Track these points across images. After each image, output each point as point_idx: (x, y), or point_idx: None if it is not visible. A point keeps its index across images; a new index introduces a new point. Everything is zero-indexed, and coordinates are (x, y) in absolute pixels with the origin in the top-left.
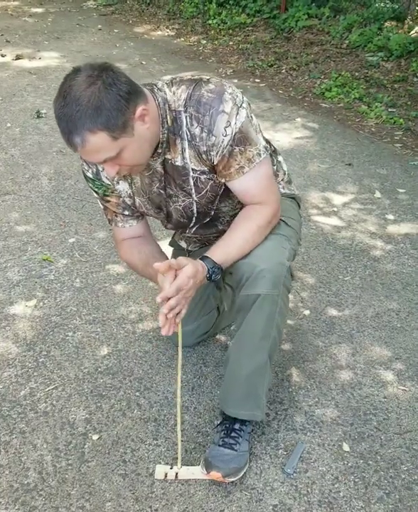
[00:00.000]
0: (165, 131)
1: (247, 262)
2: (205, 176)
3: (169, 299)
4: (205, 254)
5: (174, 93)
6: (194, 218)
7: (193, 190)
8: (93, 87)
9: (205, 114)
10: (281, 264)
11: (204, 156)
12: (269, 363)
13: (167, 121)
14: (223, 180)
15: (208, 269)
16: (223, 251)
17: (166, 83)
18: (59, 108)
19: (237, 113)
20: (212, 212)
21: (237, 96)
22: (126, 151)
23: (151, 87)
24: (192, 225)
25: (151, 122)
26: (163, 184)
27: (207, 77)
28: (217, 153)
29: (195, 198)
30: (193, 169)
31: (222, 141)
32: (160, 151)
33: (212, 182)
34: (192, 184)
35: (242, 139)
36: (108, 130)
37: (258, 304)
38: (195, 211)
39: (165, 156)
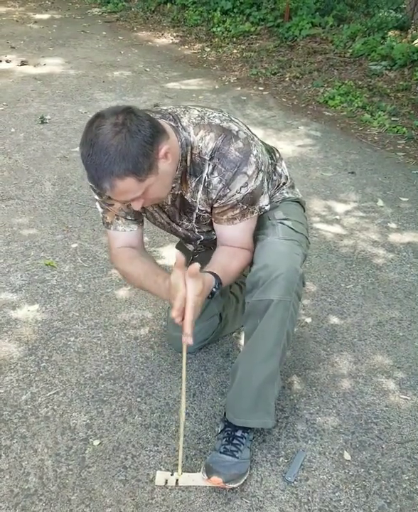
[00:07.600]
0: (181, 168)
1: (264, 266)
2: (208, 214)
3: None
4: (213, 271)
5: (202, 139)
6: (196, 238)
7: (194, 221)
8: (119, 136)
9: (228, 170)
10: (295, 270)
11: (211, 201)
12: (278, 370)
13: (186, 160)
14: (212, 219)
15: (215, 285)
16: (225, 274)
17: (193, 123)
18: (87, 156)
19: (256, 176)
20: (213, 232)
21: (259, 158)
22: (152, 187)
23: (175, 123)
24: (194, 242)
25: (173, 158)
26: (168, 212)
27: (237, 129)
28: (222, 202)
29: (195, 225)
30: (199, 208)
31: (233, 196)
32: (174, 185)
33: (212, 218)
34: (195, 217)
35: (249, 199)
36: (135, 175)
37: (271, 311)
38: (197, 233)
39: (176, 192)
